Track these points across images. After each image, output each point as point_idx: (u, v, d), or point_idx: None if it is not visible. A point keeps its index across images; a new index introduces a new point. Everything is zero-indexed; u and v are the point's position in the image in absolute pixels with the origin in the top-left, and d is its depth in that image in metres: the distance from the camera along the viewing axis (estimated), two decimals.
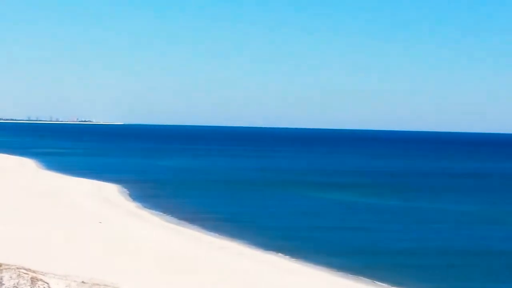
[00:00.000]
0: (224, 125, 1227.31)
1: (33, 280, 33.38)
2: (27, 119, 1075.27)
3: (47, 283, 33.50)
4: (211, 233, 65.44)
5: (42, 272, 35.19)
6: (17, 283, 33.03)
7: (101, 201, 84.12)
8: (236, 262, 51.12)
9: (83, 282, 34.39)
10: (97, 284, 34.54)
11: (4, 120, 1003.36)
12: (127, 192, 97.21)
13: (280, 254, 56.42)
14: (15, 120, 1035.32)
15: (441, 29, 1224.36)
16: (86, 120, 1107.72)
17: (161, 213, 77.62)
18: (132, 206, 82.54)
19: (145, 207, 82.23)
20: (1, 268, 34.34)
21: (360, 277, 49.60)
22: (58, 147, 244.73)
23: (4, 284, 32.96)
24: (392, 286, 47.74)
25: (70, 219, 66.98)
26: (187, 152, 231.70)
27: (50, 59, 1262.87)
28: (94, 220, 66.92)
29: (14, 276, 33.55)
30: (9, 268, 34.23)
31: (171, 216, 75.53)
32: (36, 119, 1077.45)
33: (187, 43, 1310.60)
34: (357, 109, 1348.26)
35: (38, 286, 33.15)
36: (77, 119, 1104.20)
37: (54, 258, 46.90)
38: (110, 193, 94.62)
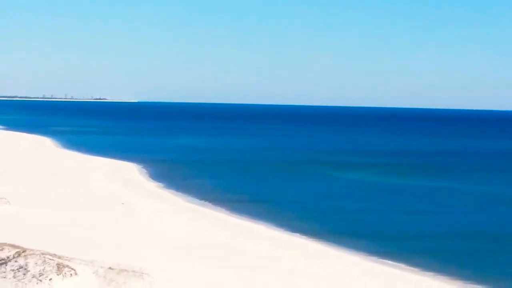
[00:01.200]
0: (241, 102, 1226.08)
1: (59, 267, 32.08)
2: (42, 97, 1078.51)
3: (74, 269, 32.22)
4: (235, 214, 64.12)
5: (67, 257, 33.91)
6: (43, 270, 31.72)
7: (122, 181, 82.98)
8: (265, 248, 49.59)
9: (110, 268, 33.13)
10: (125, 270, 33.27)
11: (19, 98, 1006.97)
12: (146, 171, 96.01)
13: (305, 236, 55.13)
14: (30, 98, 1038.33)
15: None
16: (101, 97, 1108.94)
17: (182, 193, 76.19)
18: (153, 186, 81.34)
19: (166, 187, 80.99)
20: (26, 253, 33.01)
21: (387, 261, 48.24)
22: (74, 125, 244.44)
23: (29, 271, 31.63)
24: (421, 270, 46.28)
25: (92, 200, 65.88)
26: (204, 131, 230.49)
27: (64, 37, 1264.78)
28: (117, 201, 65.74)
29: (39, 262, 32.24)
30: (34, 254, 32.91)
31: (194, 197, 74.08)
32: (50, 96, 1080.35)
33: (203, 22, 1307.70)
34: (376, 86, 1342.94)
35: (65, 273, 31.86)
36: (92, 96, 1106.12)
37: (77, 242, 45.72)
38: (130, 172, 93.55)
